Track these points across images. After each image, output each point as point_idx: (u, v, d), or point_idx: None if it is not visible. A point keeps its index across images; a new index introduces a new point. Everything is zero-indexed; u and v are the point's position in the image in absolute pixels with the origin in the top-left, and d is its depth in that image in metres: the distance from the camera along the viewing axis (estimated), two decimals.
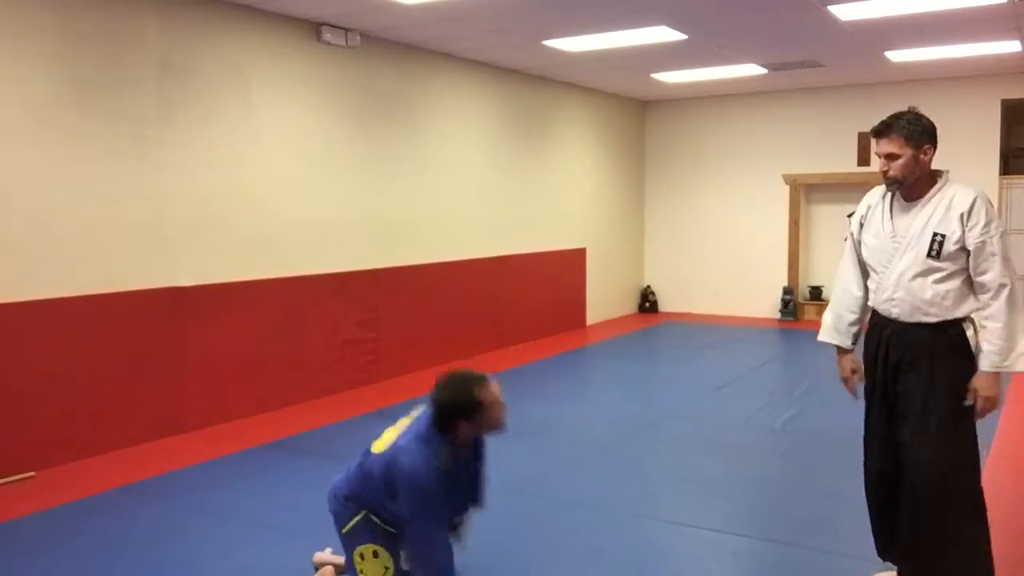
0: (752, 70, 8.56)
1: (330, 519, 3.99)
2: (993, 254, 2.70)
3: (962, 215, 2.72)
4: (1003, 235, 2.72)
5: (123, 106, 5.04)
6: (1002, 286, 2.70)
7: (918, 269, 2.79)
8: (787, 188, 10.16)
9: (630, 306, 11.11)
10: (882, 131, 2.82)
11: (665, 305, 11.19)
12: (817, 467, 4.63)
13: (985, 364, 2.72)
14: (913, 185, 2.83)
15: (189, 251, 5.44)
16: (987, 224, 2.70)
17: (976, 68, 8.60)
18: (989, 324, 2.72)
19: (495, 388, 2.76)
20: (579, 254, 9.75)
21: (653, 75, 8.91)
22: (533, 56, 7.76)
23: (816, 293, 10.27)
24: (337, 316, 6.51)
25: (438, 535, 2.75)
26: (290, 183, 6.15)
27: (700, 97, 10.65)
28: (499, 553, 3.51)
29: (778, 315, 10.28)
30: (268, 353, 5.95)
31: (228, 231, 5.70)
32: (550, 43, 7.12)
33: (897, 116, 2.81)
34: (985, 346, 2.73)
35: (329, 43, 6.33)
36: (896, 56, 7.85)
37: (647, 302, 11.16)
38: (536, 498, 4.14)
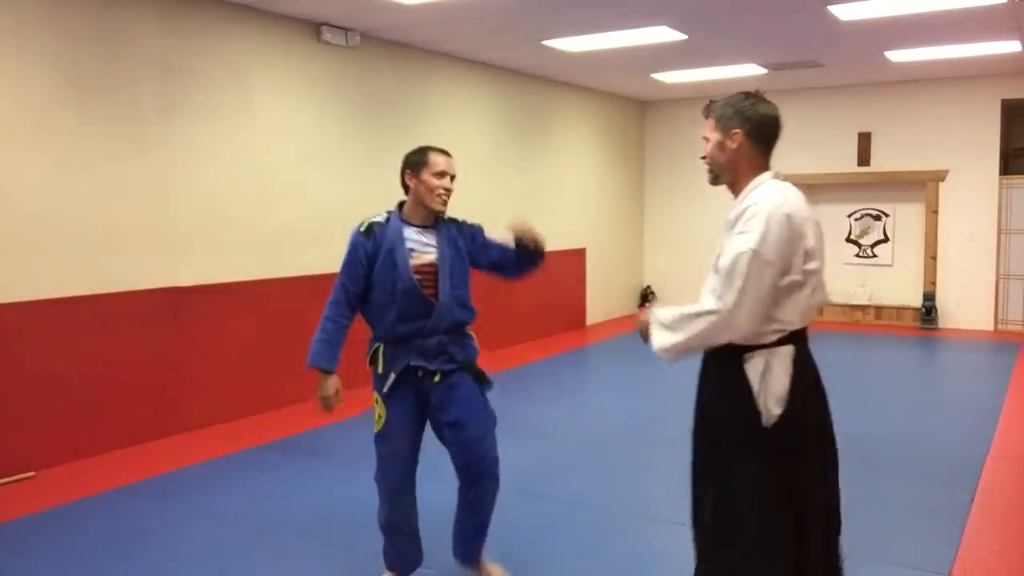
0: (752, 70, 8.55)
1: (328, 520, 3.99)
2: (724, 264, 2.16)
3: (728, 220, 2.24)
4: (752, 256, 2.10)
5: (123, 106, 5.04)
6: (708, 294, 2.24)
7: (705, 282, 2.33)
8: None
9: (630, 306, 11.11)
10: (704, 112, 2.38)
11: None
12: None
13: (653, 314, 2.39)
14: (733, 181, 2.32)
15: (189, 251, 5.44)
16: (743, 233, 2.14)
17: (976, 68, 8.60)
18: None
19: (443, 158, 2.95)
20: (579, 254, 9.75)
21: (653, 75, 8.90)
22: (533, 56, 7.75)
23: None
24: None
25: (336, 289, 3.00)
26: (290, 183, 6.15)
27: (700, 97, 10.59)
28: (499, 552, 3.50)
29: None
30: (268, 353, 5.94)
31: (228, 231, 5.69)
32: (550, 43, 7.12)
33: (729, 96, 2.36)
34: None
35: (329, 43, 6.33)
36: (896, 56, 7.85)
37: (647, 302, 11.16)
38: (536, 498, 4.14)
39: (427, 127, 7.42)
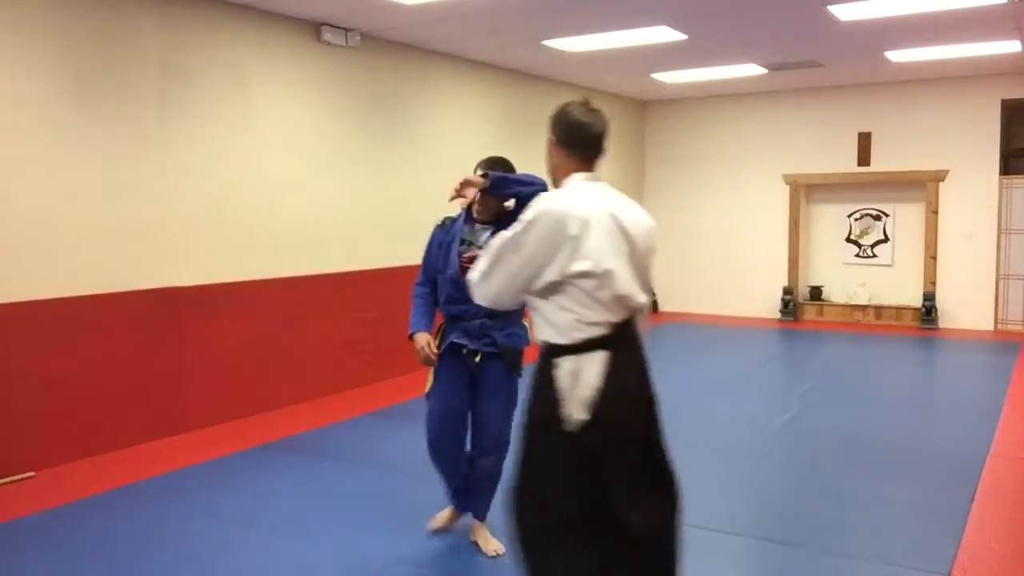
0: (752, 70, 8.55)
1: (328, 520, 3.99)
2: (490, 244, 2.38)
3: None
4: (506, 243, 2.29)
5: (123, 106, 5.03)
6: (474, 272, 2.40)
7: None
8: (787, 188, 10.15)
9: None
10: None
11: (665, 305, 11.19)
12: (817, 467, 4.63)
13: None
14: (558, 184, 2.45)
15: (189, 251, 5.44)
16: (514, 223, 2.32)
17: (976, 68, 8.60)
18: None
19: (471, 176, 3.26)
20: None
21: (653, 75, 8.90)
22: (533, 56, 7.75)
23: (816, 293, 10.27)
24: (337, 316, 6.51)
25: (419, 272, 3.53)
26: (290, 183, 6.15)
27: (700, 97, 10.65)
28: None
29: (778, 315, 10.28)
30: (268, 353, 5.94)
31: (228, 231, 5.69)
32: (550, 43, 7.12)
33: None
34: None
35: (329, 43, 6.33)
36: (896, 56, 7.85)
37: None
38: None
39: (427, 127, 7.42)
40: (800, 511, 3.98)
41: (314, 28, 6.24)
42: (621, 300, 2.25)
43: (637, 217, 2.35)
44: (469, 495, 3.56)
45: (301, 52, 6.18)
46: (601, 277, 2.21)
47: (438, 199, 7.54)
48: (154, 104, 5.21)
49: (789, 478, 4.47)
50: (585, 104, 2.41)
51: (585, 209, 2.24)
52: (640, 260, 2.31)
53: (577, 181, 2.35)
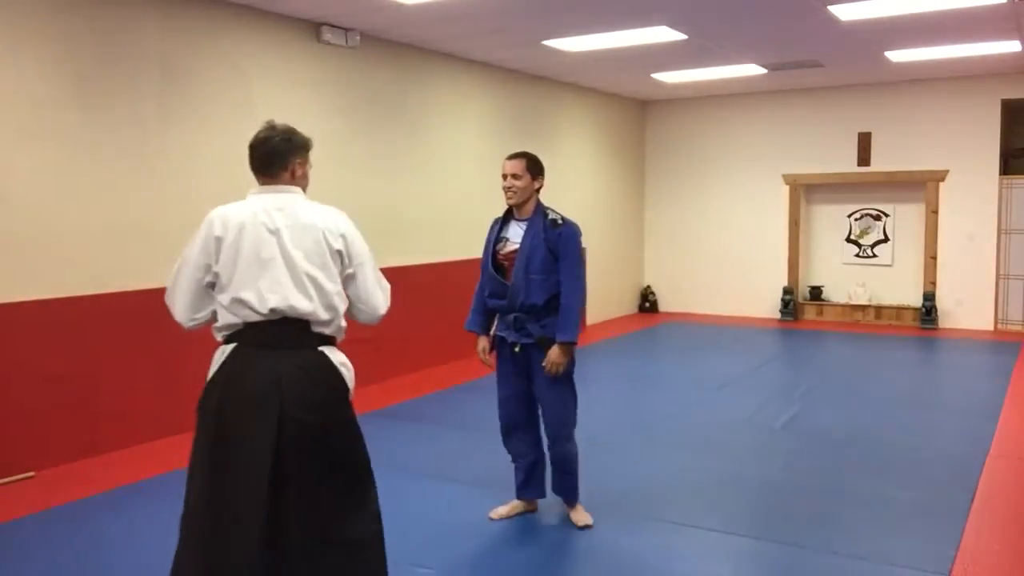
0: (752, 70, 8.56)
1: None
2: None
3: None
4: (181, 257, 2.54)
5: (123, 106, 5.04)
6: None
7: None
8: (787, 188, 10.16)
9: (630, 306, 11.11)
10: None
11: (665, 305, 11.19)
12: (817, 467, 4.63)
13: None
14: None
15: None
16: None
17: (976, 68, 8.60)
18: None
19: (506, 162, 3.62)
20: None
21: (653, 75, 8.91)
22: (533, 56, 7.76)
23: (816, 293, 10.27)
24: None
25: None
26: None
27: (700, 97, 10.65)
28: (499, 552, 3.51)
29: (778, 315, 10.28)
30: None
31: None
32: (550, 43, 7.12)
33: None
34: None
35: (329, 43, 6.33)
36: (896, 56, 7.85)
37: (647, 302, 11.16)
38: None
39: (427, 127, 7.42)
40: (800, 511, 3.98)
41: (314, 28, 6.24)
42: (240, 303, 2.43)
43: (306, 223, 2.48)
44: (554, 481, 3.77)
45: (301, 52, 6.18)
46: (233, 279, 2.45)
47: (437, 198, 7.58)
48: (154, 104, 5.21)
49: (789, 478, 4.47)
50: (264, 128, 2.61)
51: (229, 218, 2.47)
52: (298, 267, 2.44)
53: (249, 195, 2.57)
